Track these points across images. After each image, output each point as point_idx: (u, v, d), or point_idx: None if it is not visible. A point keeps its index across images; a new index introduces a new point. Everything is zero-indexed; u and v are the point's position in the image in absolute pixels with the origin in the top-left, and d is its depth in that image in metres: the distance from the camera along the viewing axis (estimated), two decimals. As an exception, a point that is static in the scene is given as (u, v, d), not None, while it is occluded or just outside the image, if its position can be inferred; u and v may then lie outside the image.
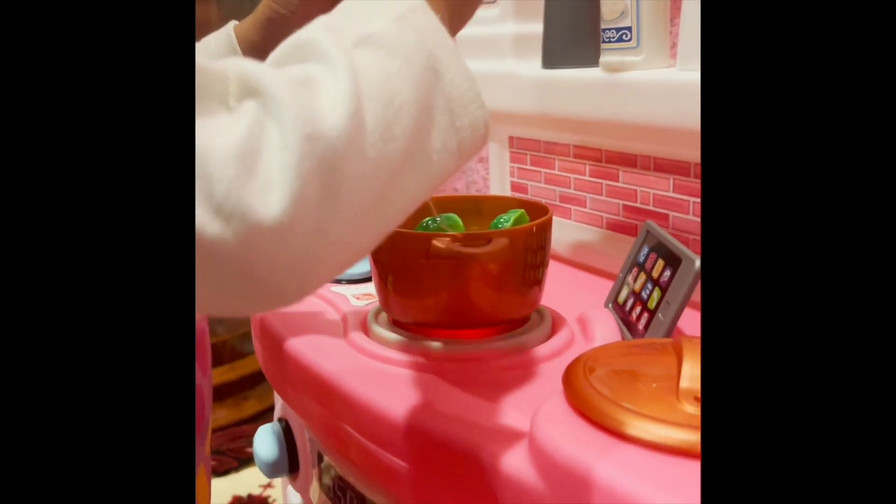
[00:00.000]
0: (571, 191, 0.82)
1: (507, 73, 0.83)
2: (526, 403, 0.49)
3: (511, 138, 0.90)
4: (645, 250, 0.63)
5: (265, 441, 0.74)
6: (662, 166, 0.71)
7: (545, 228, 0.58)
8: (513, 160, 0.90)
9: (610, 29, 0.70)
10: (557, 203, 0.84)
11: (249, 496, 1.59)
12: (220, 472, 1.65)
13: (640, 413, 0.40)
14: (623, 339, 0.59)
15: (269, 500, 1.58)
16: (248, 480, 1.63)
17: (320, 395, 0.57)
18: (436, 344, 0.57)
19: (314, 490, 0.71)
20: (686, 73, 0.64)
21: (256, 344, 0.73)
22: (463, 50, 0.91)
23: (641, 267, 0.62)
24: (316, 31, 0.35)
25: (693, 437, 0.38)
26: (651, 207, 0.73)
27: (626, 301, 0.62)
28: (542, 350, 0.57)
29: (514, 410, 0.49)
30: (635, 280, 0.62)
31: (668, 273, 0.57)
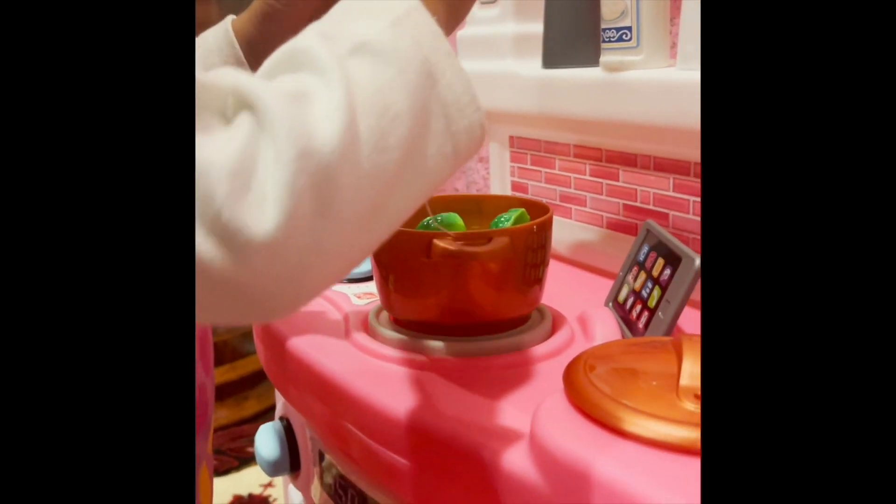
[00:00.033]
0: (572, 190, 0.82)
1: (507, 73, 0.84)
2: (526, 401, 0.50)
3: (511, 138, 0.90)
4: (645, 249, 0.63)
5: (267, 440, 0.74)
6: (662, 166, 0.71)
7: (545, 227, 0.59)
8: (513, 160, 0.91)
9: (610, 29, 0.70)
10: (558, 202, 0.84)
11: (250, 495, 1.59)
12: (221, 471, 1.65)
13: (640, 410, 0.40)
14: (623, 337, 0.59)
15: (270, 500, 1.58)
16: (249, 480, 1.64)
17: (322, 393, 0.58)
18: (437, 343, 0.57)
19: (315, 489, 0.71)
20: (686, 73, 0.64)
21: (258, 343, 0.73)
22: (463, 50, 0.92)
23: (641, 266, 0.62)
24: (310, 38, 0.35)
25: (693, 435, 0.38)
26: (651, 207, 0.73)
27: (626, 300, 0.62)
28: (543, 349, 0.57)
29: (514, 408, 0.49)
30: (635, 279, 0.62)
31: (668, 272, 0.57)
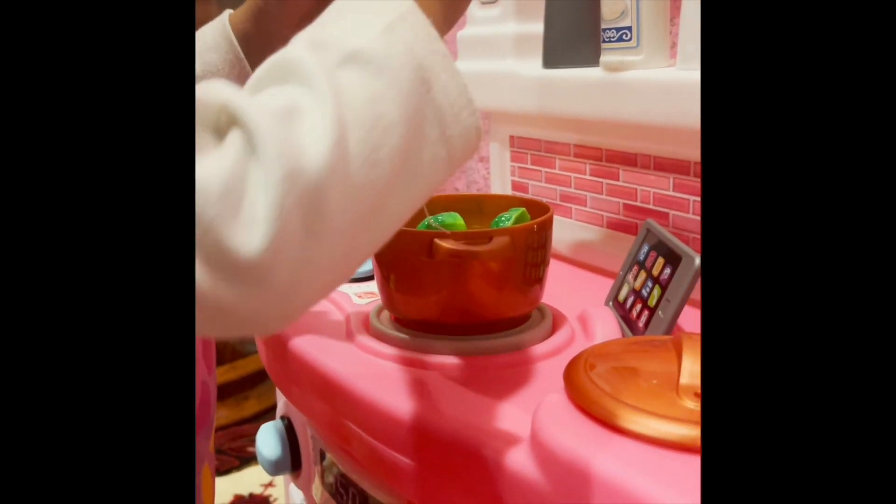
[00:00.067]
0: (572, 190, 0.83)
1: (507, 73, 0.84)
2: (527, 400, 0.50)
3: (512, 138, 0.90)
4: (645, 249, 0.63)
5: (268, 439, 0.74)
6: (662, 165, 0.71)
7: (546, 227, 0.59)
8: (513, 159, 0.91)
9: (610, 29, 0.70)
10: (558, 202, 0.85)
11: (251, 495, 1.59)
12: (222, 471, 1.65)
13: (640, 409, 0.40)
14: (623, 336, 0.59)
15: (271, 499, 1.58)
16: (250, 479, 1.64)
17: (324, 392, 0.58)
18: (438, 342, 0.57)
19: (316, 488, 0.71)
20: (686, 73, 0.65)
21: (260, 343, 0.73)
22: (464, 49, 0.92)
23: (642, 265, 0.62)
24: (299, 49, 0.34)
25: (693, 432, 0.38)
26: (651, 206, 0.73)
27: (626, 299, 0.62)
28: (543, 347, 0.57)
29: (515, 407, 0.49)
30: (636, 278, 0.62)
31: (668, 271, 0.57)
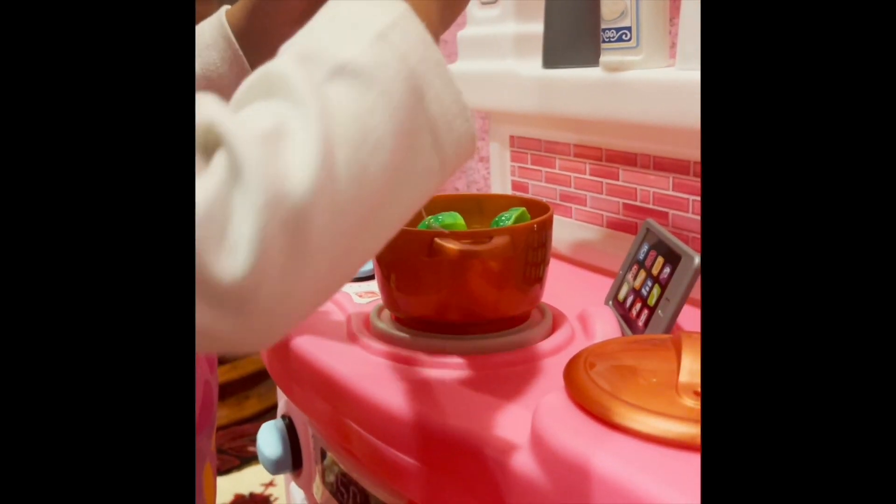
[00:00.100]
0: (572, 189, 0.83)
1: (507, 73, 0.84)
2: (527, 398, 0.50)
3: (512, 137, 0.90)
4: (645, 248, 0.63)
5: (269, 438, 0.75)
6: (662, 165, 0.71)
7: (546, 226, 0.59)
8: (513, 159, 0.91)
9: (610, 29, 0.71)
10: (558, 202, 0.85)
11: (251, 495, 1.60)
12: (222, 470, 1.65)
13: (640, 407, 0.41)
14: (623, 335, 0.60)
15: (271, 499, 1.58)
16: (250, 479, 1.64)
17: (325, 391, 0.58)
18: (438, 341, 0.57)
19: (317, 486, 0.71)
20: (685, 73, 0.65)
21: (260, 342, 0.73)
22: (464, 50, 0.92)
23: (641, 264, 0.62)
24: (287, 62, 0.34)
25: (692, 430, 0.38)
26: (651, 206, 0.73)
27: (626, 298, 0.63)
28: (544, 346, 0.58)
29: (515, 405, 0.49)
30: (635, 277, 0.62)
31: (667, 270, 0.57)
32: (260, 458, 0.76)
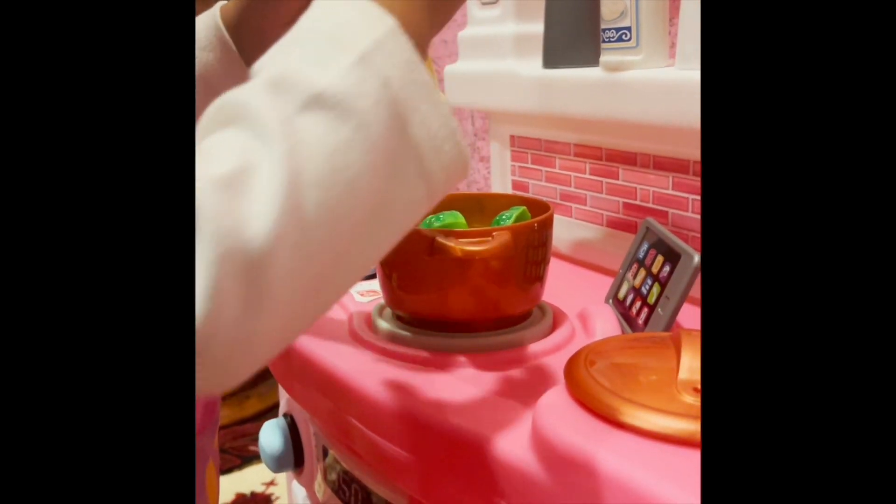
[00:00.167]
0: (572, 189, 0.83)
1: (508, 73, 0.84)
2: (528, 396, 0.50)
3: (512, 137, 0.91)
4: (645, 247, 0.64)
5: (271, 436, 0.75)
6: (662, 164, 0.72)
7: (546, 225, 0.59)
8: (514, 159, 0.91)
9: (610, 29, 0.71)
10: (558, 201, 0.85)
11: (252, 494, 1.60)
12: (224, 470, 1.66)
13: (640, 403, 0.41)
14: (623, 333, 0.60)
15: (272, 498, 1.58)
16: (252, 478, 1.64)
17: (326, 389, 0.58)
18: (439, 339, 0.58)
19: (319, 484, 0.71)
20: (685, 73, 0.65)
21: (262, 340, 0.73)
22: (464, 50, 0.93)
23: (641, 263, 0.63)
24: (257, 91, 0.32)
25: (692, 427, 0.39)
26: (651, 205, 0.74)
27: (626, 297, 0.63)
28: (544, 344, 0.58)
29: (516, 403, 0.50)
30: (635, 276, 0.63)
31: (667, 269, 0.58)
32: (262, 456, 0.76)
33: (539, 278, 0.60)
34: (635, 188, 0.75)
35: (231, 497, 1.58)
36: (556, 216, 0.62)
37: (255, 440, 0.78)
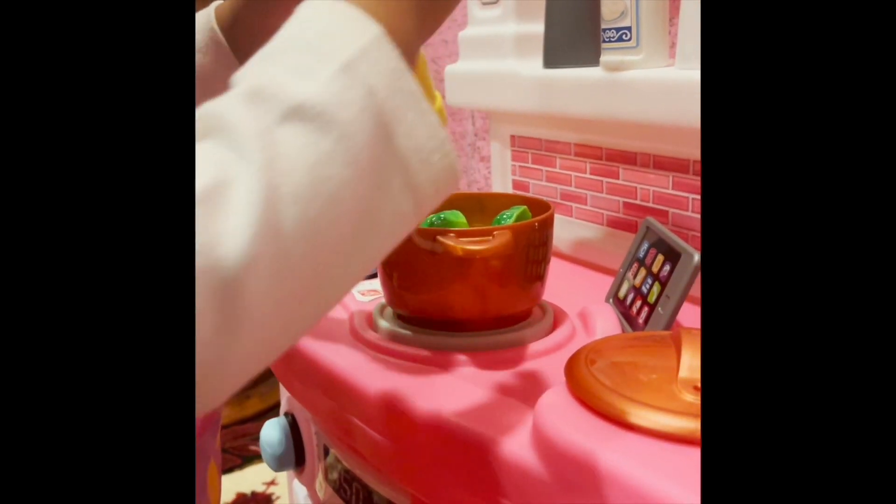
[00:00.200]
0: (572, 188, 0.83)
1: (508, 73, 0.84)
2: (529, 395, 0.50)
3: (513, 137, 0.91)
4: (645, 246, 0.64)
5: (272, 435, 0.75)
6: (662, 164, 0.72)
7: (547, 224, 0.59)
8: (514, 159, 0.91)
9: (610, 29, 0.71)
10: (558, 201, 0.85)
11: (253, 493, 1.60)
12: (224, 469, 1.66)
13: (640, 402, 0.41)
14: (623, 332, 0.60)
15: (273, 498, 1.59)
16: (252, 478, 1.65)
17: (327, 388, 0.58)
18: (440, 338, 0.58)
19: (320, 483, 0.72)
20: (685, 72, 0.65)
21: (263, 340, 0.73)
22: (465, 50, 0.93)
23: (641, 262, 0.63)
24: (236, 102, 0.31)
25: (692, 425, 0.39)
26: (651, 204, 0.74)
27: (626, 296, 0.63)
28: (545, 343, 0.58)
29: (517, 401, 0.50)
30: (635, 275, 0.63)
31: (667, 268, 0.58)
32: (263, 455, 0.76)
33: (539, 277, 0.61)
34: (635, 188, 0.75)
35: (232, 497, 1.59)
36: (556, 216, 0.62)
37: (256, 440, 0.78)
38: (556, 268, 0.66)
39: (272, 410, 1.83)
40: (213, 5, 0.57)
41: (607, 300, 0.66)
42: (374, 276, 0.75)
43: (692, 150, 0.68)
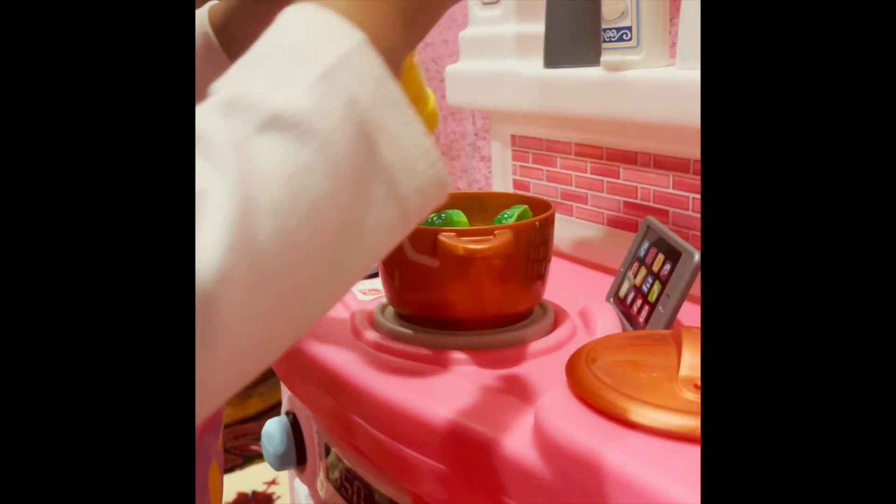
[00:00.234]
0: (573, 188, 0.83)
1: (509, 73, 0.85)
2: (530, 393, 0.51)
3: (513, 137, 0.91)
4: (645, 245, 0.64)
5: (273, 434, 0.75)
6: (662, 163, 0.72)
7: (548, 224, 0.60)
8: (515, 158, 0.92)
9: (610, 29, 0.71)
10: (559, 200, 0.85)
11: (254, 493, 1.60)
12: (225, 469, 1.66)
13: (641, 400, 0.41)
14: (624, 331, 0.60)
15: (274, 497, 1.59)
16: (253, 478, 1.65)
17: (329, 387, 0.59)
18: (441, 337, 0.58)
19: (321, 482, 0.72)
20: (685, 72, 0.65)
21: (264, 339, 0.73)
22: (466, 50, 0.93)
23: (642, 262, 0.63)
24: (211, 113, 0.30)
25: (693, 423, 0.39)
26: (651, 204, 0.74)
27: (626, 295, 0.63)
28: (545, 342, 0.58)
29: (518, 400, 0.50)
30: (636, 274, 0.63)
31: (668, 267, 0.58)
32: (264, 454, 0.76)
33: (540, 277, 0.61)
34: (636, 187, 0.75)
35: (232, 496, 1.59)
36: (557, 215, 0.62)
37: (257, 439, 0.78)
38: (556, 267, 0.67)
39: (273, 410, 1.83)
40: (206, 6, 0.57)
41: (608, 299, 0.67)
42: (375, 275, 0.75)
43: (692, 149, 0.69)
